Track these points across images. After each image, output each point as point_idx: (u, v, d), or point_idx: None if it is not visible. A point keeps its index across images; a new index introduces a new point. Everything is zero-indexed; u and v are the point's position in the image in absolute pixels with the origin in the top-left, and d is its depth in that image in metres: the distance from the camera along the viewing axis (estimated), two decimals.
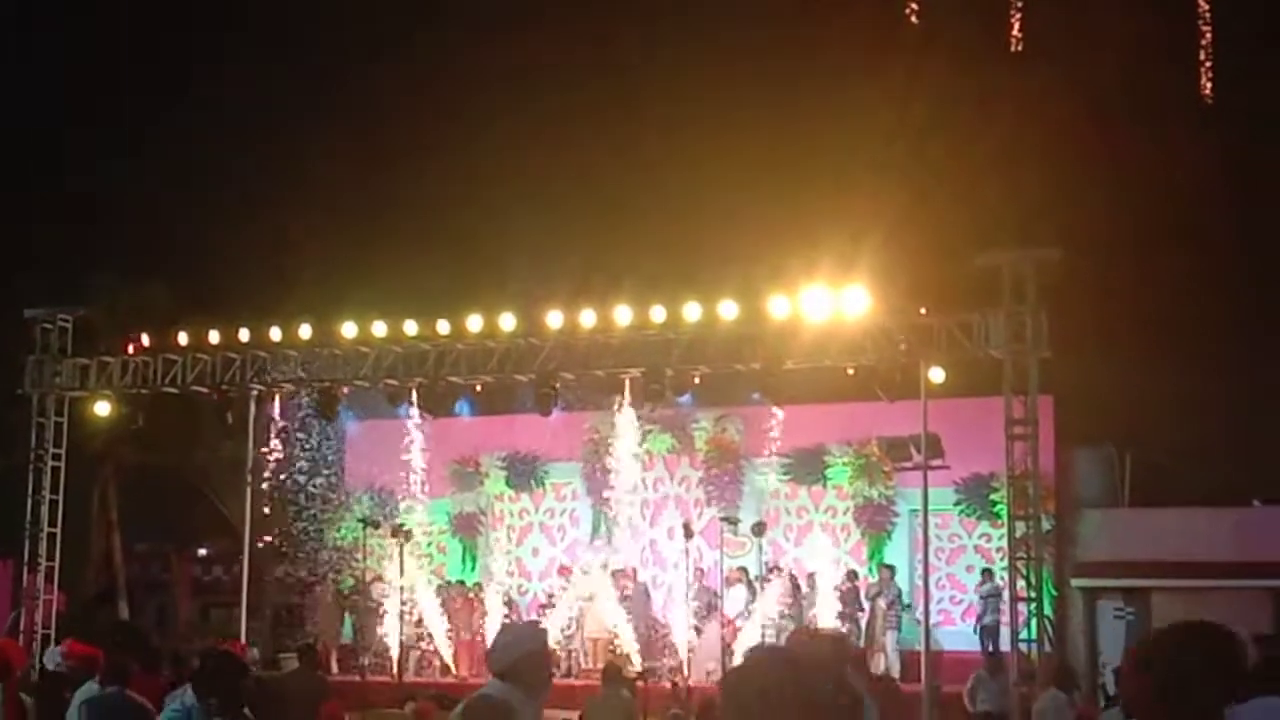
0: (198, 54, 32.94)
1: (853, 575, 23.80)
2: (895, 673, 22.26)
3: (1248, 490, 24.52)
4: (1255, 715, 4.32)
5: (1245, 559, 22.82)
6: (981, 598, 23.22)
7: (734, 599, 23.40)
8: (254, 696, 8.18)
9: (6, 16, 32.19)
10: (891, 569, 23.77)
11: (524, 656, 5.90)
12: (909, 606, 23.65)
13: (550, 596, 25.07)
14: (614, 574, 24.33)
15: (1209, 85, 24.48)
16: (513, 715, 5.68)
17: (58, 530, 23.58)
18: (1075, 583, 23.87)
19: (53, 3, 34.67)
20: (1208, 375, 25.42)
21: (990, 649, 22.17)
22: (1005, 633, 22.85)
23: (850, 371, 20.67)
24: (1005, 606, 22.70)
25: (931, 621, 22.36)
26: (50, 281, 25.56)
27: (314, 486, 28.37)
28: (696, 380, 21.49)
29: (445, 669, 24.32)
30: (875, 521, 24.98)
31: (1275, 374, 25.40)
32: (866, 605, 23.38)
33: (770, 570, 23.70)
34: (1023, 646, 19.71)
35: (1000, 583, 23.29)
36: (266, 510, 26.35)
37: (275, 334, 22.27)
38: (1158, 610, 23.55)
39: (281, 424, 26.66)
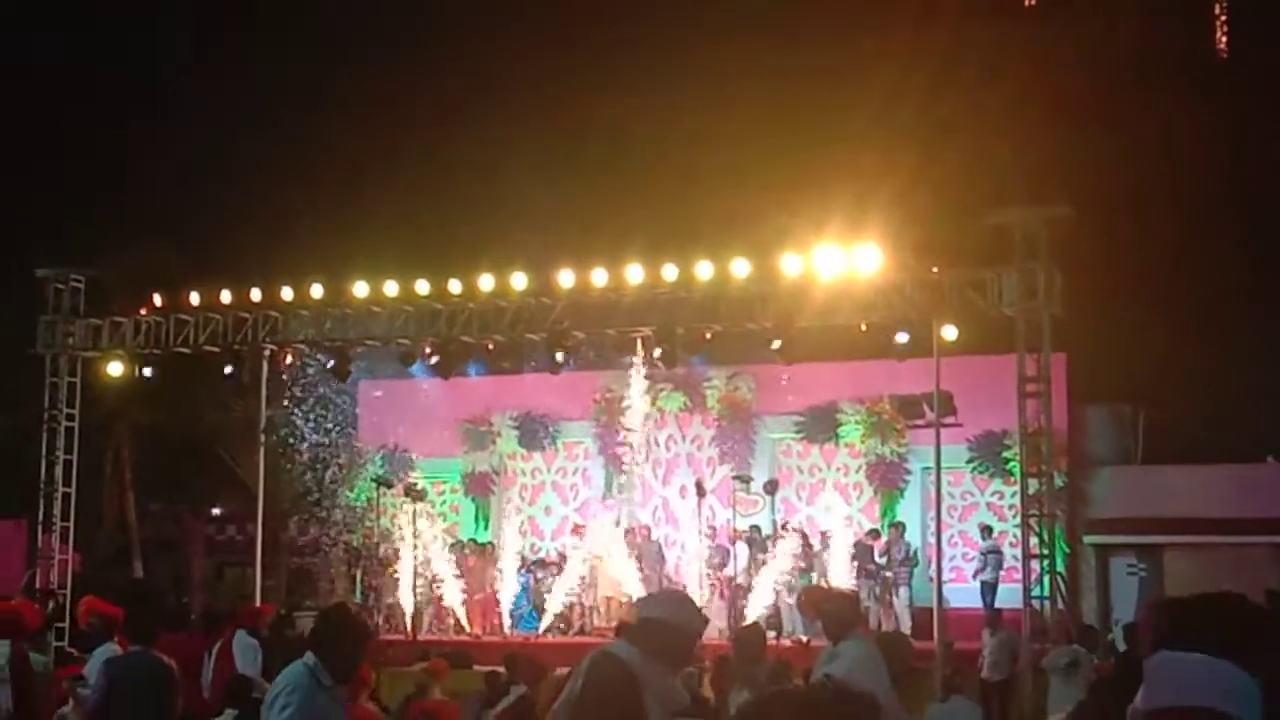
0: (212, 18, 32.86)
1: (875, 534, 23.77)
2: (906, 629, 22.31)
3: (1260, 447, 24.51)
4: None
5: (1257, 515, 22.82)
6: (981, 554, 23.27)
7: (737, 557, 23.50)
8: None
9: None
10: (902, 526, 23.79)
11: (657, 621, 5.71)
12: (918, 564, 23.68)
13: (561, 556, 25.13)
14: (626, 532, 24.41)
15: (1223, 42, 24.31)
16: (634, 678, 5.51)
17: (72, 490, 23.67)
18: (1088, 540, 23.92)
19: None
20: (1220, 332, 25.40)
21: (989, 604, 22.38)
22: (1004, 589, 23.07)
23: (863, 328, 20.59)
24: (1006, 562, 22.98)
25: (943, 578, 22.43)
26: (62, 242, 25.58)
27: (327, 446, 28.45)
28: (708, 337, 21.43)
29: (459, 627, 24.42)
30: (888, 479, 25.03)
31: None
32: (882, 562, 23.39)
33: (782, 528, 23.75)
34: (1035, 604, 19.74)
35: (998, 539, 23.50)
36: (279, 470, 26.46)
37: (287, 293, 22.29)
38: (1170, 567, 23.61)
39: (294, 383, 26.75)
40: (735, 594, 22.52)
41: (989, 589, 22.95)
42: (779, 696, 3.09)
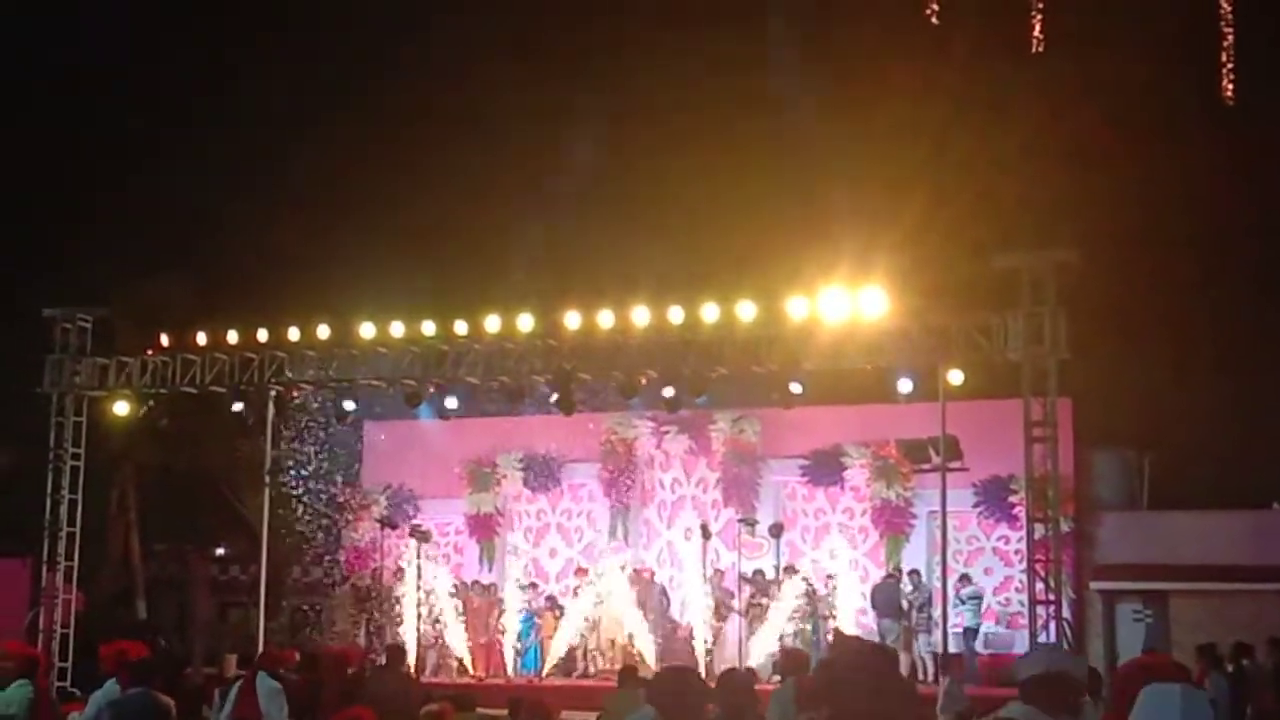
0: (219, 55, 33.01)
1: (897, 573, 23.70)
2: (929, 675, 22.23)
3: (1267, 493, 24.43)
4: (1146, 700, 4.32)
5: (1264, 562, 22.73)
6: (961, 600, 23.18)
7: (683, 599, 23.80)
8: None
9: (23, 16, 32.28)
10: (918, 573, 23.71)
11: (1046, 674, 5.65)
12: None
13: (559, 596, 25.12)
14: (631, 574, 24.35)
15: (1229, 87, 24.33)
16: None
17: (76, 529, 23.63)
18: (1094, 585, 23.82)
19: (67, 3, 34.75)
20: (1226, 377, 25.36)
21: (970, 649, 22.62)
22: (1015, 634, 23.04)
23: (869, 368, 20.57)
24: (985, 606, 23.59)
25: (950, 624, 22.38)
26: (69, 281, 25.64)
27: (331, 487, 28.43)
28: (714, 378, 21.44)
29: (462, 669, 24.35)
30: (893, 523, 24.92)
31: None
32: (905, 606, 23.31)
33: (786, 571, 23.70)
34: None
35: (979, 586, 23.47)
36: (284, 510, 26.44)
37: (293, 334, 22.29)
38: (1176, 613, 23.50)
39: (300, 424, 26.75)
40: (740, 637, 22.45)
41: (971, 635, 23.05)
42: None
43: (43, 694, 10.48)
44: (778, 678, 17.78)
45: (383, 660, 20.96)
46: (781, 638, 22.51)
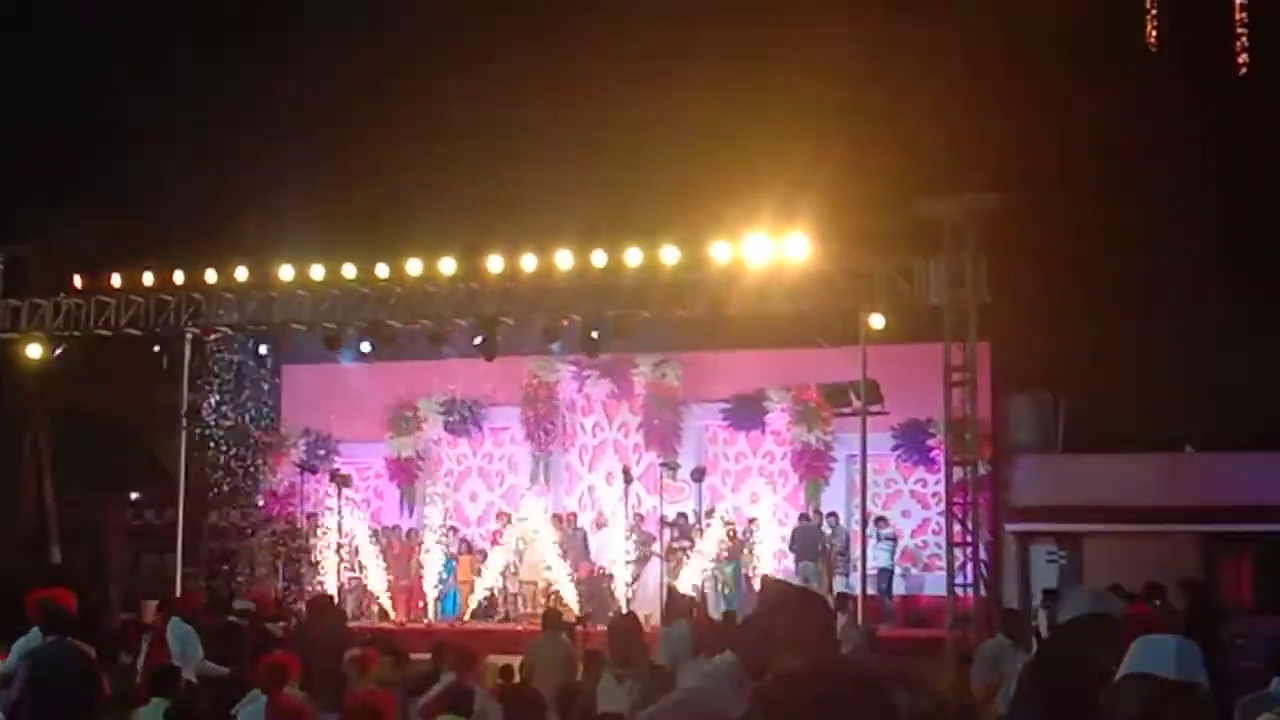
0: None
1: (834, 518, 23.92)
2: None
3: (1180, 437, 24.82)
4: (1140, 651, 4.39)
5: (1176, 504, 23.12)
6: (878, 539, 23.39)
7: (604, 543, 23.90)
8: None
9: None
10: (836, 515, 23.93)
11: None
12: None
13: (478, 541, 25.18)
14: (553, 519, 24.36)
15: (1153, 31, 24.59)
16: None
17: None
18: (1009, 527, 24.12)
19: None
20: (1142, 322, 25.67)
21: (885, 591, 23.01)
22: (929, 577, 23.41)
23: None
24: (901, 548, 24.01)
25: (867, 567, 22.65)
26: None
27: (249, 431, 28.14)
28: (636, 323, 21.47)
29: (383, 614, 24.29)
30: (813, 467, 25.05)
31: (1209, 322, 25.68)
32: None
33: (708, 515, 23.83)
34: (959, 591, 19.93)
35: (896, 528, 23.76)
36: (200, 455, 26.13)
37: (211, 276, 22.01)
38: (1090, 555, 23.86)
39: (216, 368, 26.41)
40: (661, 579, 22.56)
41: (886, 575, 23.37)
42: None
43: None
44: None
45: (304, 608, 20.95)
46: (703, 581, 22.70)
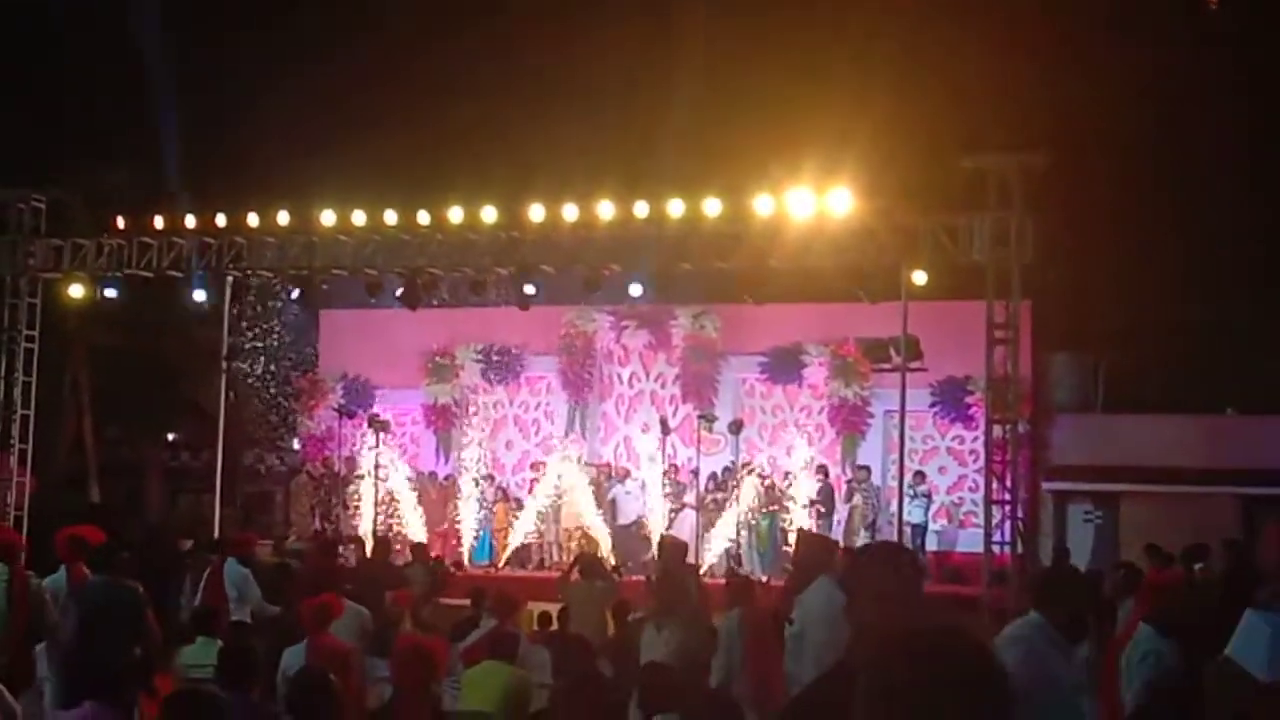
0: None
1: (823, 471, 23.76)
2: None
3: (1221, 399, 24.70)
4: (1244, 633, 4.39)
5: (1215, 466, 23.04)
6: (913, 496, 23.32)
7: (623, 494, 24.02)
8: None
9: None
10: (867, 469, 23.88)
11: None
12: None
13: (513, 489, 25.31)
14: (589, 468, 24.43)
15: None
16: None
17: (30, 412, 23.42)
18: (1046, 486, 24.10)
19: None
20: (1186, 284, 25.45)
21: (920, 546, 22.65)
22: (964, 534, 23.40)
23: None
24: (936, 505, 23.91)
25: (903, 521, 22.67)
26: (23, 161, 25.10)
27: (288, 374, 28.28)
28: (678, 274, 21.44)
29: None
30: (850, 422, 25.06)
31: (1251, 287, 25.48)
32: (843, 507, 23.46)
33: (743, 467, 23.83)
34: (995, 549, 19.90)
35: (931, 484, 23.68)
36: (239, 397, 26.30)
37: (253, 219, 22.02)
38: (1126, 515, 23.83)
39: (256, 311, 26.53)
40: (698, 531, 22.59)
41: (919, 531, 23.19)
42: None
43: (20, 578, 10.40)
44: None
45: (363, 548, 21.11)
46: (739, 533, 22.75)
